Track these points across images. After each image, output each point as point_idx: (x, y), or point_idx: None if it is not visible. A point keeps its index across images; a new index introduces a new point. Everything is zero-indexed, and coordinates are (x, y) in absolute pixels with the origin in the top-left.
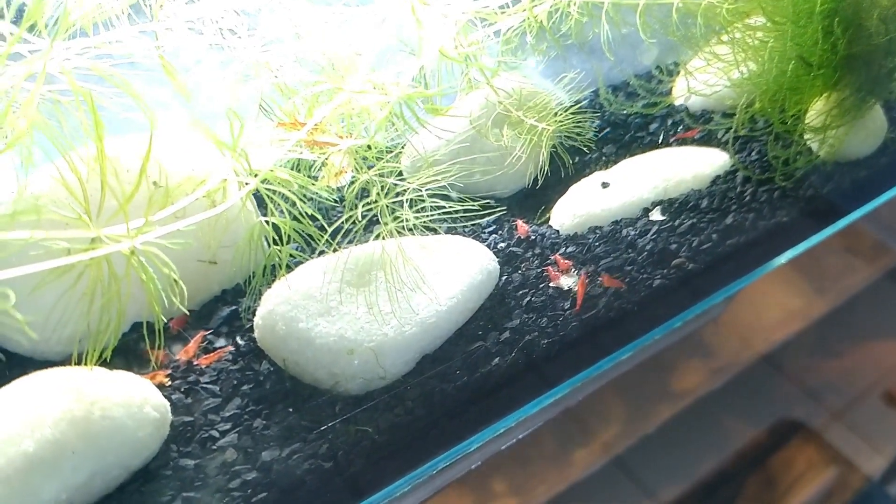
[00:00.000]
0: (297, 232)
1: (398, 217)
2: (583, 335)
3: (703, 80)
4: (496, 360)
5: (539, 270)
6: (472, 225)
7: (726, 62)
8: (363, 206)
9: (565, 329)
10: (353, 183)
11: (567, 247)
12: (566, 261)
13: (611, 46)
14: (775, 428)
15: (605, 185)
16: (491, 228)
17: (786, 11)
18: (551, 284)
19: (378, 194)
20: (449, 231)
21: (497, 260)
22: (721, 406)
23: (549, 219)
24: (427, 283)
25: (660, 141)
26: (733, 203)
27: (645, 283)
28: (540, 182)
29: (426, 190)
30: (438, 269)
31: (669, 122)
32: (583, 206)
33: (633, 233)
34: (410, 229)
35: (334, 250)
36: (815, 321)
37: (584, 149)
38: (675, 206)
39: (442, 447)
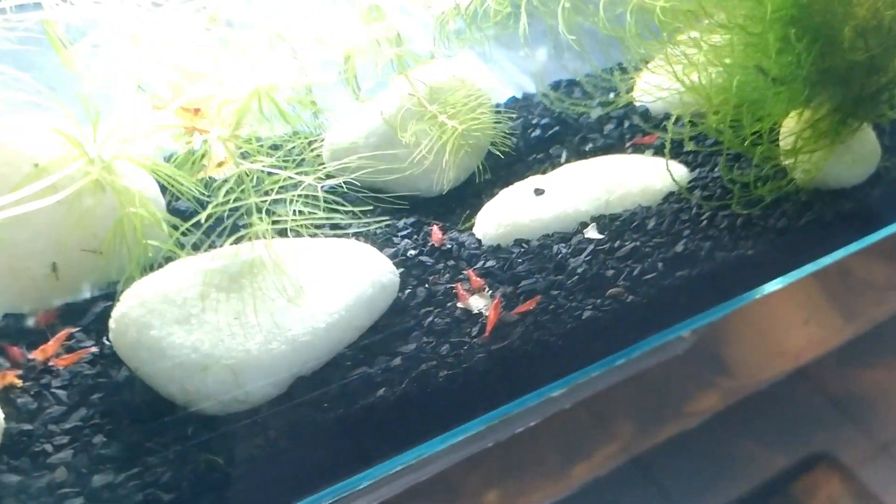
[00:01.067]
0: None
1: (276, 215)
2: (490, 369)
3: (654, 84)
4: (382, 390)
5: (449, 286)
6: (386, 227)
7: (669, 64)
8: (228, 200)
9: (469, 360)
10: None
11: (486, 260)
12: (479, 278)
13: (567, 40)
14: (796, 455)
15: (538, 191)
16: (406, 232)
17: (734, 15)
18: (459, 305)
19: (248, 188)
20: (358, 234)
21: (399, 271)
22: (736, 429)
23: (472, 226)
24: (304, 295)
25: (614, 145)
26: (686, 227)
27: (573, 314)
28: (457, 184)
29: (334, 185)
30: (322, 279)
31: (626, 124)
32: (510, 214)
33: (564, 251)
34: (296, 230)
35: (190, 249)
36: (840, 346)
37: (511, 151)
38: (617, 224)
39: (305, 489)
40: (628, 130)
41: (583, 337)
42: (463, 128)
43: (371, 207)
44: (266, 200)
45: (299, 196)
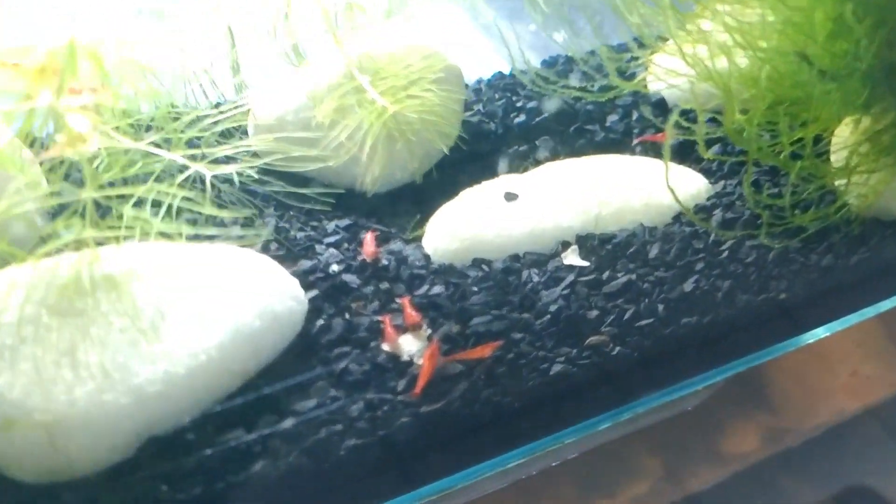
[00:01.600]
0: None
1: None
2: (416, 439)
3: (669, 67)
4: (259, 464)
5: (376, 319)
6: (312, 228)
7: (677, 44)
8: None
9: (388, 426)
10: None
11: (432, 285)
12: (415, 312)
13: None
14: (843, 497)
15: (510, 196)
16: (335, 238)
17: None
18: (384, 346)
19: (88, 174)
20: (271, 240)
21: (311, 294)
22: (779, 472)
23: (422, 235)
24: (162, 327)
25: (618, 142)
26: (701, 259)
27: (538, 367)
28: (413, 179)
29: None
30: (191, 305)
31: (635, 115)
32: (471, 224)
33: (536, 279)
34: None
35: None
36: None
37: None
38: (608, 248)
39: None
40: (637, 123)
41: (549, 399)
42: (395, 109)
43: (270, 206)
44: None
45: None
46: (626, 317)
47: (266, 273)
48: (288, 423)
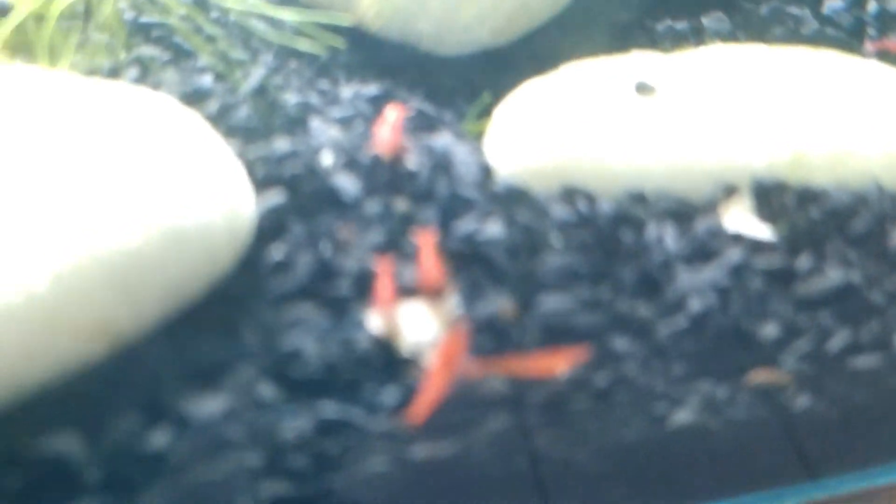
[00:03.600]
0: None
1: None
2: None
3: None
4: None
5: (369, 265)
6: (318, 93)
7: None
8: None
9: (349, 475)
10: None
11: (484, 221)
12: (438, 264)
13: None
14: None
15: (643, 88)
16: (347, 113)
17: None
18: (371, 319)
19: None
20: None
21: (272, 200)
22: None
23: (484, 130)
24: None
25: (837, 40)
26: None
27: (650, 407)
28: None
29: None
30: (22, 187)
31: (873, 6)
32: (568, 125)
33: (670, 244)
34: None
35: None
36: None
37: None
38: (812, 216)
39: None
40: (875, 20)
41: (660, 466)
42: None
43: (270, 52)
44: None
45: None
46: (832, 345)
47: (187, 150)
48: (161, 436)
